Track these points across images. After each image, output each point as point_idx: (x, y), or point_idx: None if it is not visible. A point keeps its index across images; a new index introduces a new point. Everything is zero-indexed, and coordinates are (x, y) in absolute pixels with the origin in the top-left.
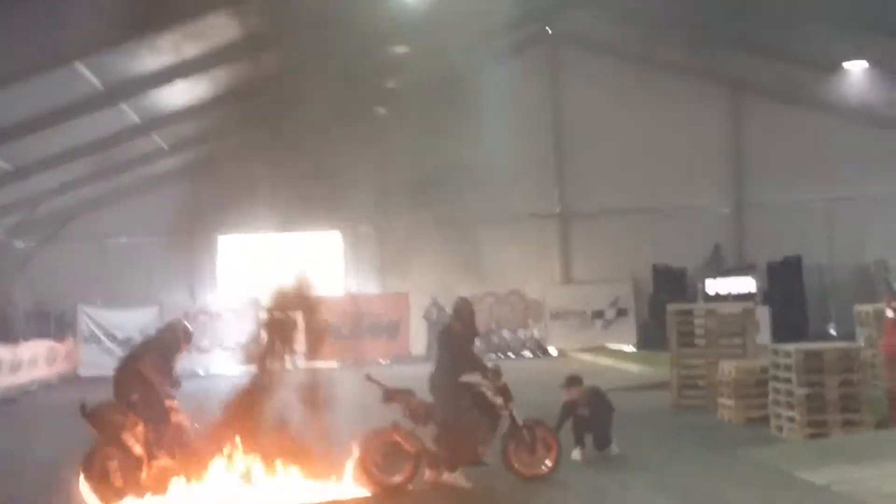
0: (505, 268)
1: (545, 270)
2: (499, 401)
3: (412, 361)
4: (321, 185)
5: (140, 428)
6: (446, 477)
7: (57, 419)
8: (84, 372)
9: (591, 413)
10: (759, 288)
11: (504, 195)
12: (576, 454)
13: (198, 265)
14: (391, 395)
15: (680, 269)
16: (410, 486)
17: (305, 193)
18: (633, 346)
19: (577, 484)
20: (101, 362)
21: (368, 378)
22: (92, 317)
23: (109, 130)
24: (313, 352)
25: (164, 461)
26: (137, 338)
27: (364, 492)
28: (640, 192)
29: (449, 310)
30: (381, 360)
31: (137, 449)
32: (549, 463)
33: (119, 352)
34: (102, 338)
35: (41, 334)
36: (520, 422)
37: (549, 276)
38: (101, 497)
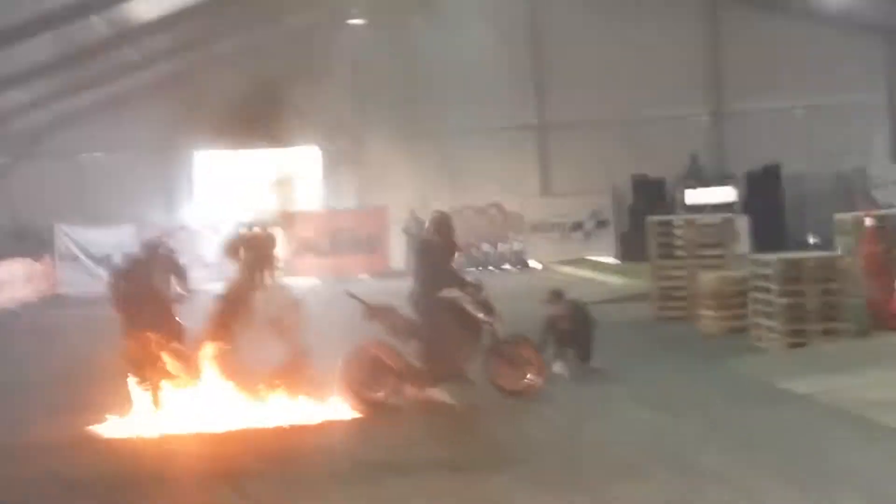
0: (484, 180)
1: (524, 183)
2: (481, 315)
3: (392, 276)
4: (298, 98)
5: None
6: (429, 393)
7: (43, 335)
8: (62, 290)
9: (573, 327)
10: (738, 197)
11: (482, 107)
12: (558, 368)
13: (175, 181)
14: (373, 311)
15: (659, 180)
16: (393, 403)
17: (281, 107)
18: (614, 257)
19: (559, 398)
20: (80, 281)
21: (349, 294)
22: (69, 235)
23: (81, 43)
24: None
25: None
26: (115, 256)
27: (348, 409)
28: (619, 102)
29: (428, 224)
30: (361, 276)
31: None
32: (532, 378)
33: (97, 270)
34: (80, 256)
35: (18, 253)
36: (503, 337)
37: (528, 188)
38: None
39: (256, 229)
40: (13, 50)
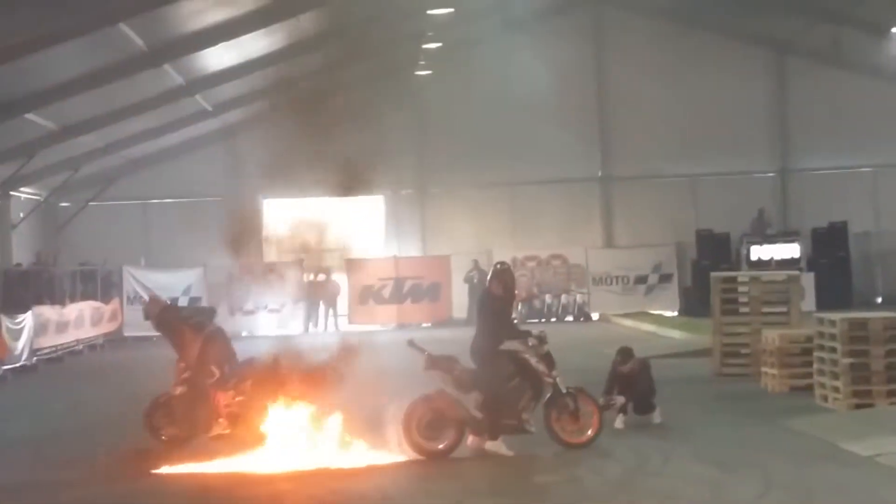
0: (547, 231)
1: (588, 234)
2: (542, 368)
3: (454, 325)
4: (365, 147)
5: None
6: (489, 445)
7: (105, 375)
8: (129, 332)
9: (637, 382)
10: (803, 254)
11: (547, 158)
12: (618, 422)
13: (242, 227)
14: (433, 361)
15: (724, 235)
16: (453, 453)
17: (348, 157)
18: (676, 311)
19: (619, 452)
20: (145, 323)
21: (411, 344)
22: (136, 277)
23: (153, 91)
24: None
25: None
26: (182, 299)
27: (408, 458)
28: (684, 155)
29: (490, 275)
30: (423, 324)
31: None
32: (591, 430)
33: None
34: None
35: (87, 295)
36: (563, 389)
37: (591, 240)
38: None
39: (321, 276)
40: (87, 96)
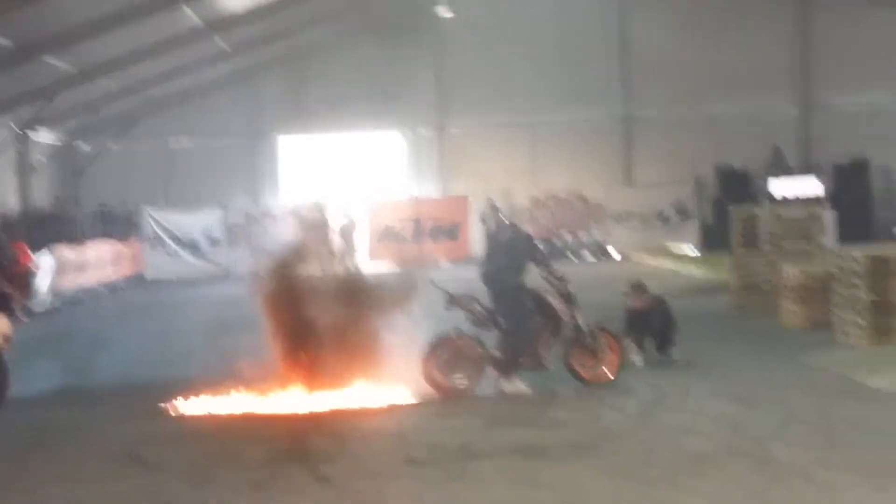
0: (567, 171)
1: (607, 173)
2: (562, 306)
3: (473, 264)
4: (383, 85)
5: None
6: (507, 383)
7: (127, 316)
8: (149, 274)
9: (654, 318)
10: (824, 190)
11: (567, 97)
12: (636, 359)
13: (260, 167)
14: (454, 300)
15: (744, 171)
16: (472, 390)
17: (366, 94)
18: (696, 249)
19: (638, 388)
20: (167, 264)
21: (431, 283)
22: (156, 218)
23: (172, 33)
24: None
25: None
26: (202, 240)
27: (427, 396)
28: (705, 93)
29: (505, 212)
30: (442, 263)
31: None
32: (611, 368)
33: (185, 254)
34: (167, 240)
35: (107, 236)
36: (583, 326)
37: (611, 178)
38: None
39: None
40: (105, 38)
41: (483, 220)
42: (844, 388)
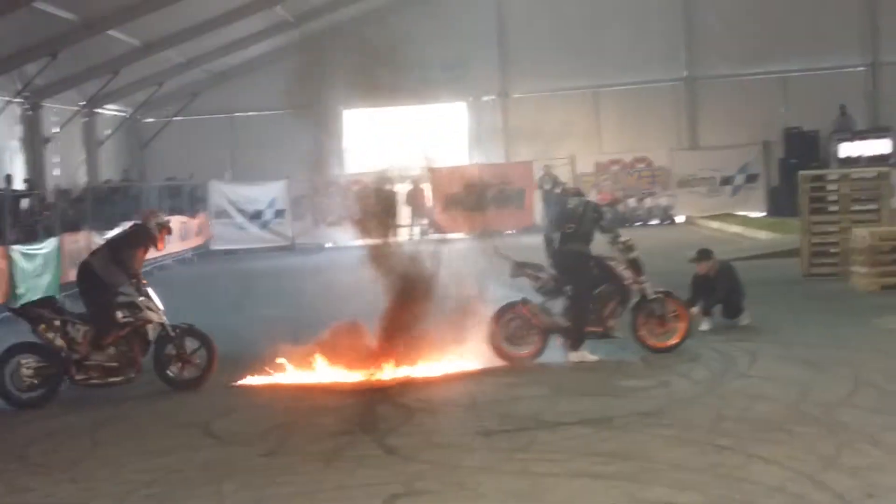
0: (631, 135)
1: (672, 136)
2: (629, 273)
3: (538, 231)
4: (444, 54)
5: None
6: (574, 354)
7: (196, 287)
8: (216, 246)
9: (721, 284)
10: (895, 150)
11: (630, 60)
12: (704, 325)
13: (324, 139)
14: (520, 268)
15: (812, 133)
16: (539, 359)
17: (429, 63)
18: (763, 212)
19: (706, 356)
20: (233, 236)
21: (497, 251)
22: (223, 191)
23: (235, 4)
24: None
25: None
26: (267, 212)
27: (495, 365)
28: (771, 53)
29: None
30: (507, 231)
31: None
32: (679, 335)
33: (250, 226)
34: (233, 212)
35: (173, 209)
36: (650, 294)
37: (676, 142)
38: None
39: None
40: (168, 11)
41: (541, 186)
42: None
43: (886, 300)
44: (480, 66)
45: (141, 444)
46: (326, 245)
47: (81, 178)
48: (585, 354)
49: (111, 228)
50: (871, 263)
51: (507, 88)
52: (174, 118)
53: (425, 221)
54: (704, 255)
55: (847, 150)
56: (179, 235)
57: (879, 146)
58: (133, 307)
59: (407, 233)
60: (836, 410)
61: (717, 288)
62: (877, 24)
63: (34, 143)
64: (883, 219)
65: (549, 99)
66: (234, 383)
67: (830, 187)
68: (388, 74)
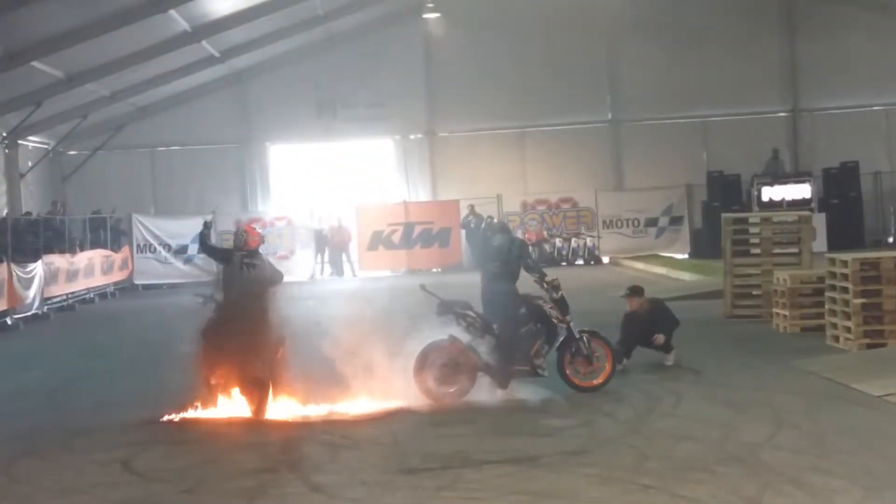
0: (557, 175)
1: (597, 178)
2: (555, 312)
3: (464, 270)
4: (372, 92)
5: None
6: (501, 388)
7: (117, 322)
8: (139, 280)
9: (656, 321)
10: (814, 195)
11: (556, 102)
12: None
13: (250, 173)
14: (446, 306)
15: (734, 176)
16: (465, 397)
17: (355, 101)
18: (686, 254)
19: (631, 395)
20: (156, 271)
21: (423, 289)
22: (146, 225)
23: (159, 38)
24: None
25: None
26: (192, 247)
27: (420, 404)
28: (694, 98)
29: (487, 218)
30: (433, 269)
31: None
32: (604, 374)
33: (175, 261)
34: (157, 247)
35: (96, 243)
36: (576, 333)
37: (601, 183)
38: None
39: (332, 223)
40: (93, 43)
41: (465, 226)
42: (835, 393)
43: (806, 342)
44: (407, 104)
45: (58, 481)
46: None
47: (2, 210)
48: (512, 390)
49: (33, 261)
50: (791, 306)
51: (433, 127)
52: (98, 151)
53: (349, 259)
54: (636, 291)
55: (769, 193)
56: (102, 269)
57: (800, 190)
58: None
59: (310, 271)
60: (758, 451)
61: (654, 324)
62: (797, 72)
63: None
64: (803, 262)
65: (475, 138)
66: (154, 419)
67: (752, 230)
68: (313, 110)
